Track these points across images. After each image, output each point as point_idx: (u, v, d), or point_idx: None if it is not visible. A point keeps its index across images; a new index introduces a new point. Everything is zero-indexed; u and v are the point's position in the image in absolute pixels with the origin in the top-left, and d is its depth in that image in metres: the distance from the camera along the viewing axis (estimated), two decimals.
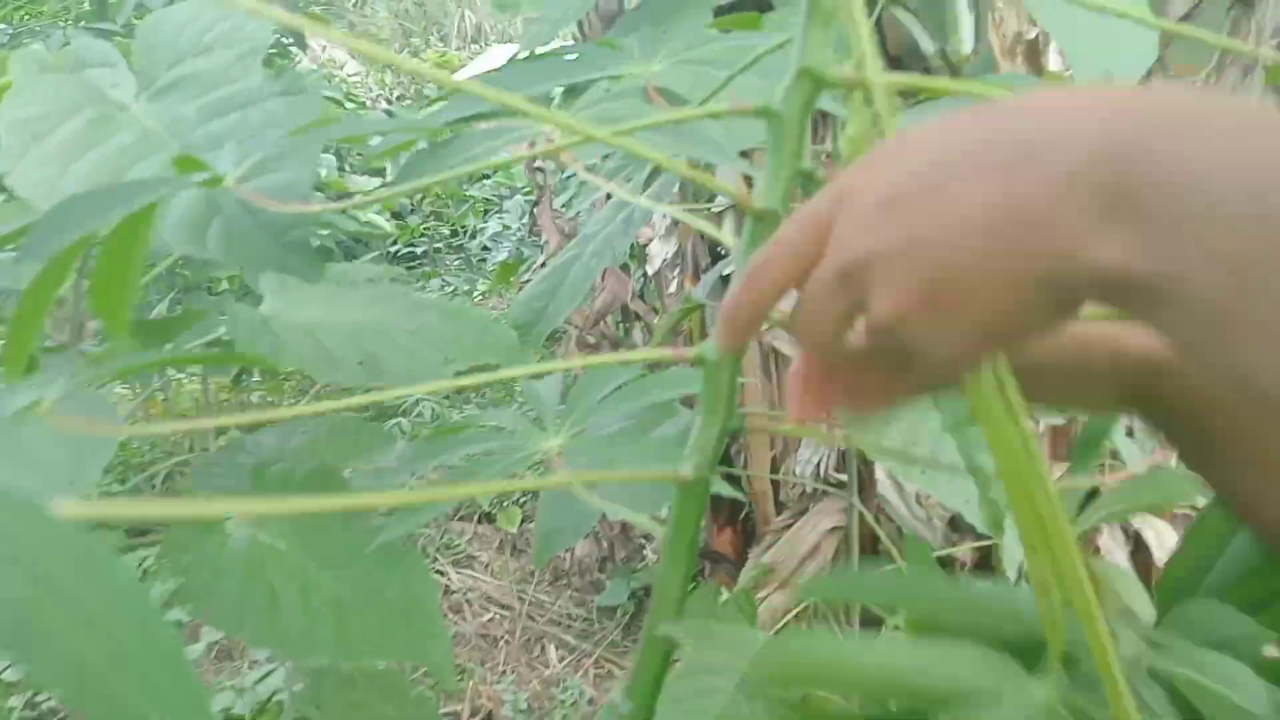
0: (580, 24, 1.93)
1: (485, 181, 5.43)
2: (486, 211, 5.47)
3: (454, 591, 2.59)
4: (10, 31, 3.46)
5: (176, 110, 0.78)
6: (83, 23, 3.37)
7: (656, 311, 2.24)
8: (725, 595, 1.30)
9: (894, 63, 1.63)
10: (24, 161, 0.80)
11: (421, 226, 5.44)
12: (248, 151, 0.66)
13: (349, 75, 7.41)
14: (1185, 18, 1.61)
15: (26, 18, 3.62)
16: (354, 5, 9.28)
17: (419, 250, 5.32)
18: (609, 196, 1.67)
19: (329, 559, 1.07)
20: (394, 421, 3.37)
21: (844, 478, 1.83)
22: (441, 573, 2.68)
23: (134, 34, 0.97)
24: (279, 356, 0.95)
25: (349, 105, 5.33)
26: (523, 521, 2.87)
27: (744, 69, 0.53)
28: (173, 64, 0.81)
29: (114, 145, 0.74)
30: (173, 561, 1.04)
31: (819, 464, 1.85)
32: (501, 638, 2.37)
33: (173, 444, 3.57)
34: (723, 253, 1.89)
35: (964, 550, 1.64)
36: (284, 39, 3.48)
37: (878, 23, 1.35)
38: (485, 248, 5.24)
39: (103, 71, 0.88)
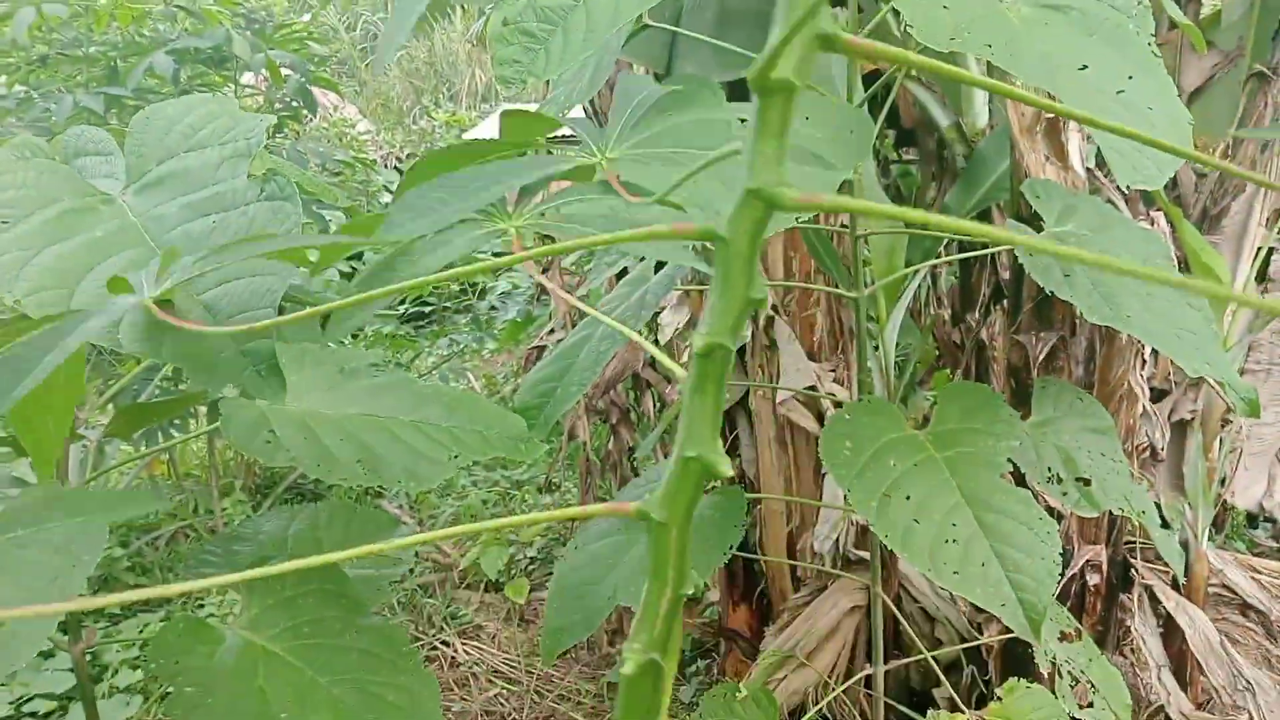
0: (591, 100, 1.93)
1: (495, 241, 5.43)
2: (495, 270, 5.47)
3: (460, 665, 2.52)
4: (21, 95, 3.47)
5: (159, 207, 0.75)
6: (93, 86, 3.38)
7: (668, 380, 2.20)
8: (741, 691, 1.24)
9: (906, 135, 1.60)
10: None
11: (430, 285, 5.43)
12: (214, 262, 0.62)
13: (360, 133, 7.48)
14: (1200, 90, 1.58)
15: (42, 77, 3.62)
16: (366, 65, 9.41)
17: (428, 309, 5.31)
18: (623, 272, 1.64)
19: (326, 662, 1.02)
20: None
21: (865, 554, 1.77)
22: (447, 643, 2.61)
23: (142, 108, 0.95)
24: (273, 454, 0.90)
25: (359, 163, 5.34)
26: (531, 591, 2.80)
27: (691, 175, 0.47)
28: (163, 158, 0.78)
29: (84, 239, 0.71)
30: (160, 667, 1.00)
31: (838, 540, 1.79)
32: (508, 715, 2.29)
33: (177, 505, 3.53)
34: None
35: (992, 639, 1.58)
36: (294, 103, 3.50)
37: (891, 94, 1.32)
38: (494, 307, 5.24)
39: (96, 160, 0.85)
